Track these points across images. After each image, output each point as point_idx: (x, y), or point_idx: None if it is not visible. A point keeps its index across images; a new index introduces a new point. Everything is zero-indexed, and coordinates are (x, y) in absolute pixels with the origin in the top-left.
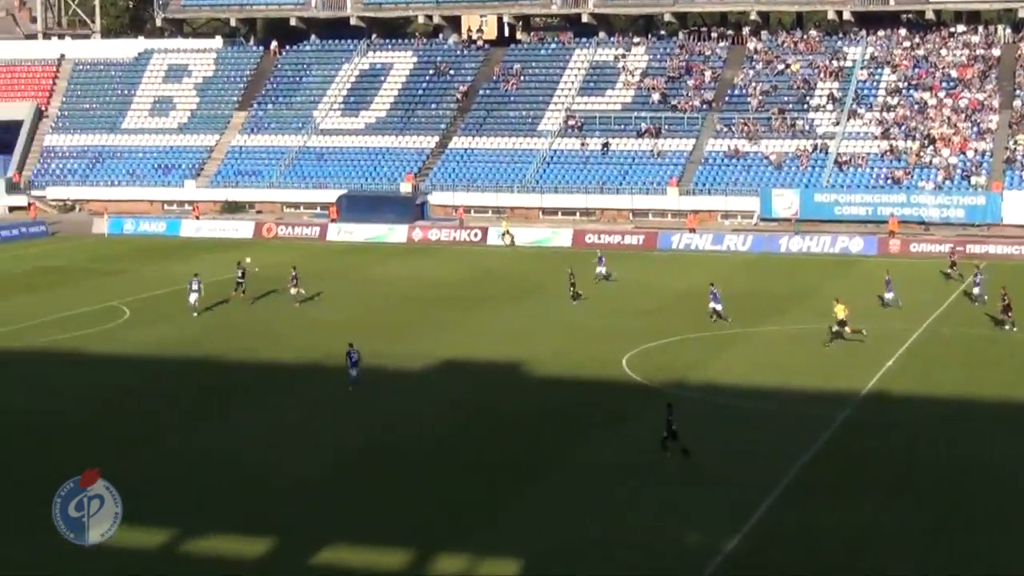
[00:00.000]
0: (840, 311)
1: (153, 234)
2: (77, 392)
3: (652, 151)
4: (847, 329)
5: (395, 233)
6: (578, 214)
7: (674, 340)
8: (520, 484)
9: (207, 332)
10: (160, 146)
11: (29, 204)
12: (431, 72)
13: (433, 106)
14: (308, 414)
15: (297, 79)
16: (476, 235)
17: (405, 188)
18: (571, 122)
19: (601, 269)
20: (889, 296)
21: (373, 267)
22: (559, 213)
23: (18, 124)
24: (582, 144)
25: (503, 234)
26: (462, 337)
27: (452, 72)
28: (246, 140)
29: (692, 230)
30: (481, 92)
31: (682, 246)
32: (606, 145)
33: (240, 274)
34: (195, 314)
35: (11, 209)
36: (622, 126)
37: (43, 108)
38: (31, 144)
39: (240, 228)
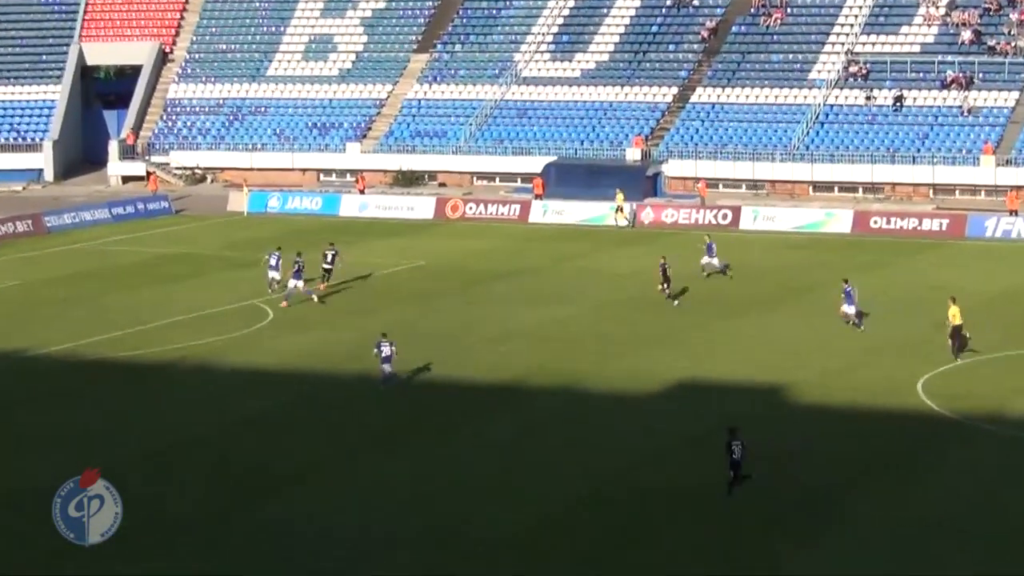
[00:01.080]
0: None
1: (305, 213)
2: (210, 414)
3: (961, 107)
4: None
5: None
6: (861, 190)
7: (987, 358)
8: (792, 545)
9: (373, 338)
10: (316, 99)
11: (148, 174)
12: (668, 3)
13: (671, 48)
14: (507, 450)
15: (493, 13)
16: (725, 216)
17: (632, 155)
18: (853, 69)
19: (711, 259)
20: None
21: (588, 258)
22: (835, 189)
23: (135, 71)
24: (867, 98)
25: (616, 209)
26: (704, 351)
27: (696, 3)
28: (426, 92)
29: (1013, 212)
30: (735, 29)
31: (999, 234)
32: (899, 99)
33: (329, 258)
34: (314, 299)
35: (126, 179)
36: (920, 74)
37: (167, 50)
38: (151, 97)
39: (417, 206)
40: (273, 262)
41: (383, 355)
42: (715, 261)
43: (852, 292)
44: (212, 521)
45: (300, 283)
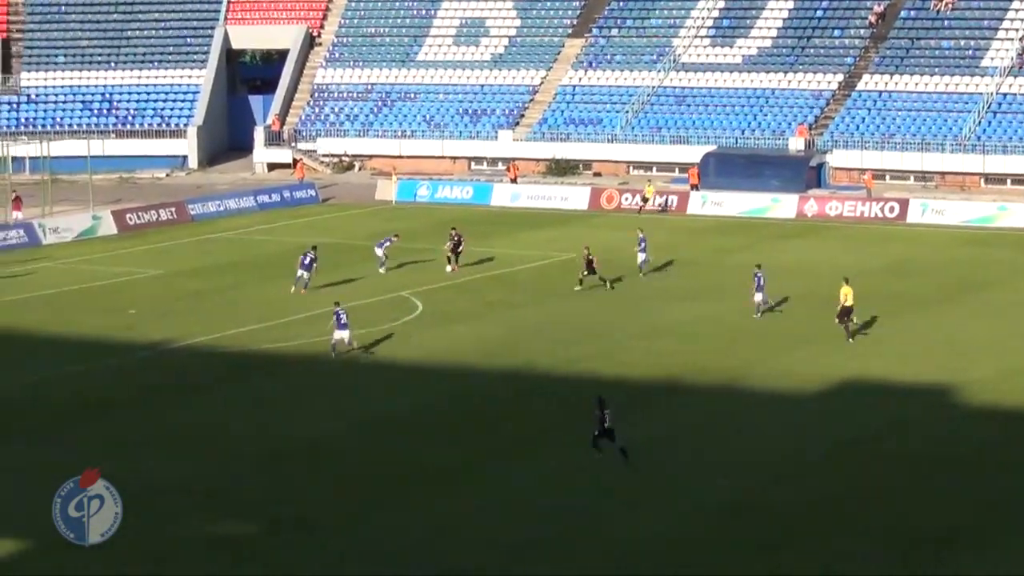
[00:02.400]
0: None
1: (455, 202)
2: (351, 409)
3: None
4: None
5: (780, 206)
6: None
7: None
8: (972, 555)
9: (523, 333)
10: (467, 85)
11: (295, 161)
12: None
13: (836, 33)
14: (655, 451)
15: None
16: (892, 209)
17: (795, 145)
18: None
19: (642, 253)
20: None
21: (748, 252)
22: (1008, 181)
23: (282, 55)
24: None
25: (644, 199)
26: (869, 349)
27: None
28: (581, 78)
29: None
30: (903, 14)
31: None
32: None
33: (456, 242)
34: (302, 290)
35: (271, 167)
36: None
37: (315, 34)
38: (298, 82)
39: (571, 196)
40: (307, 261)
41: (340, 321)
42: (642, 255)
43: (762, 278)
44: (347, 522)
45: (307, 274)
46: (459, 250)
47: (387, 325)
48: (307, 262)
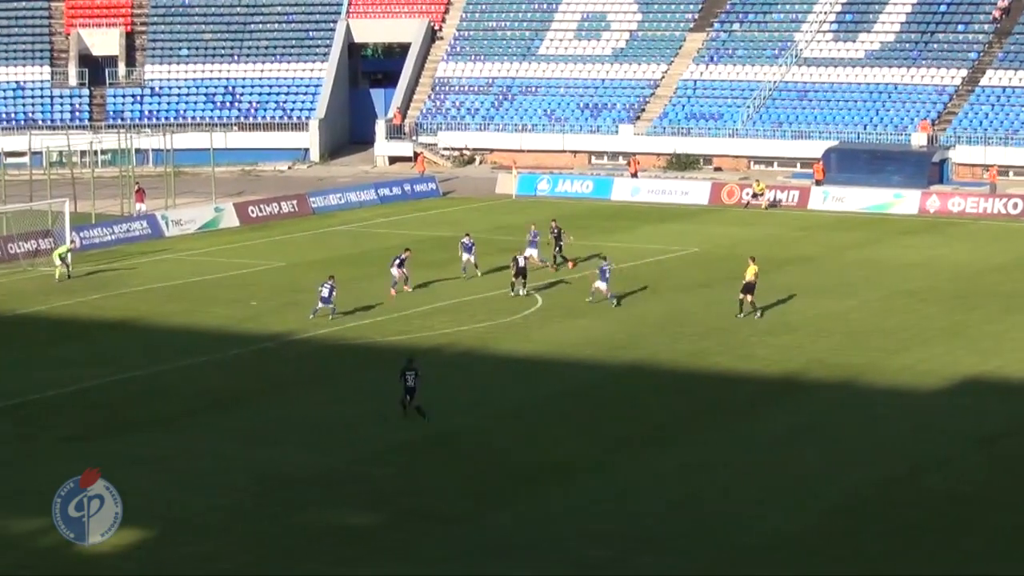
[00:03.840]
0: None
1: (576, 196)
2: (471, 403)
3: None
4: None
5: (903, 201)
6: None
7: None
8: None
9: (645, 328)
10: (588, 79)
11: (416, 155)
12: None
13: (960, 28)
14: (782, 447)
15: None
16: (1015, 206)
17: (918, 140)
18: None
19: (601, 284)
20: None
21: (871, 247)
22: None
23: (404, 49)
24: None
25: (754, 195)
26: (992, 347)
27: None
28: (702, 72)
29: None
30: None
31: None
32: None
33: (556, 234)
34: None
35: (392, 160)
36: None
37: (436, 28)
38: (419, 75)
39: (691, 191)
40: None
41: (322, 295)
42: (603, 286)
43: (607, 269)
44: (471, 514)
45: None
46: (560, 243)
47: (508, 319)
48: (398, 262)
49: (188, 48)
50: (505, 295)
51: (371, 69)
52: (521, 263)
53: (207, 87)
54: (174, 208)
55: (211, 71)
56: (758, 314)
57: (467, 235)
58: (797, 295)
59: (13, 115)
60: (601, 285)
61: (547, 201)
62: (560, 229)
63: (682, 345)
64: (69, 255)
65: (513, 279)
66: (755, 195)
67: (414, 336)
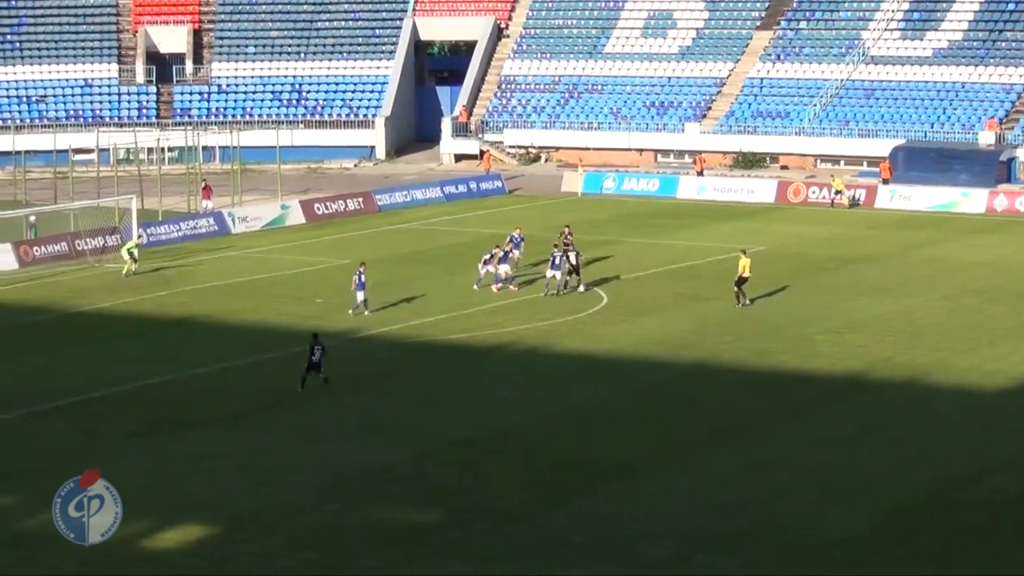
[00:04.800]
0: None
1: (641, 194)
2: (534, 401)
3: None
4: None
5: (970, 200)
6: None
7: None
8: None
9: (709, 326)
10: (654, 77)
11: (482, 152)
12: None
13: None
14: (846, 447)
15: None
16: None
17: (986, 139)
18: None
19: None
20: None
21: (938, 247)
22: None
23: (470, 47)
24: None
25: (837, 192)
26: None
27: None
28: (769, 70)
29: None
30: None
31: None
32: None
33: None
34: (366, 311)
35: (458, 158)
36: None
37: (503, 26)
38: (485, 73)
39: (757, 189)
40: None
41: (359, 282)
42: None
43: (559, 257)
44: (532, 512)
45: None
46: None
47: (572, 317)
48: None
49: (255, 46)
50: (569, 294)
51: (437, 67)
52: (573, 260)
53: (274, 84)
54: (240, 205)
55: (278, 68)
56: (747, 301)
57: (517, 230)
58: (863, 294)
59: (81, 112)
60: (503, 268)
61: (613, 199)
62: (571, 243)
63: (746, 344)
64: (136, 250)
65: (567, 277)
66: (837, 192)
67: (475, 334)
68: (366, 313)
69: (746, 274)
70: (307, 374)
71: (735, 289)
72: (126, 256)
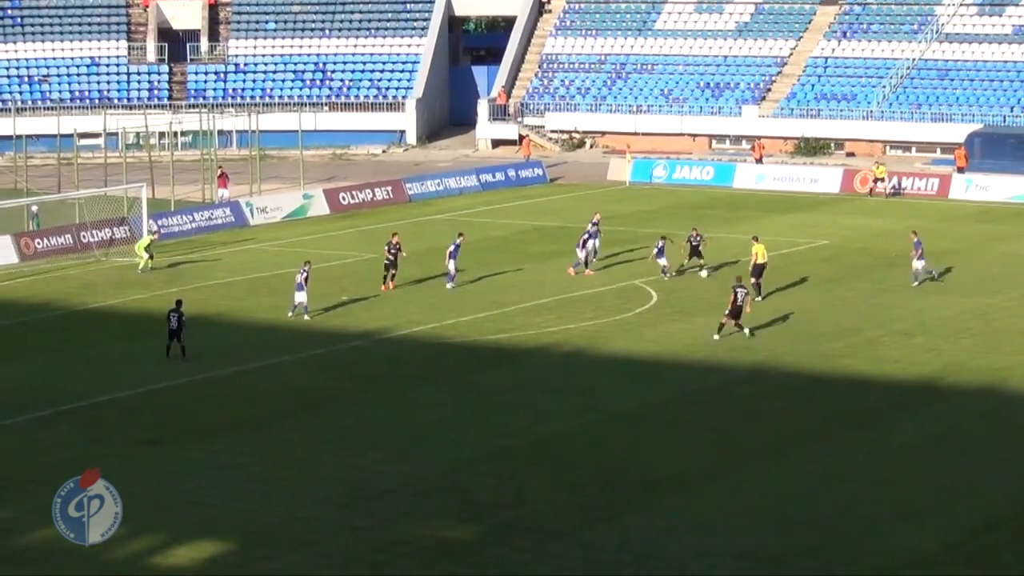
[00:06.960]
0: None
1: (695, 183)
2: (577, 407)
3: None
4: None
5: None
6: None
7: None
8: None
9: (767, 327)
10: (709, 56)
11: (521, 137)
12: None
13: None
14: (916, 459)
15: None
16: None
17: None
18: None
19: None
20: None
21: (1017, 241)
22: None
23: (509, 23)
24: None
25: (877, 180)
26: None
27: None
28: (834, 49)
29: None
30: None
31: None
32: None
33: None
34: (305, 315)
35: (495, 143)
36: None
37: (544, 0)
38: (525, 52)
39: (821, 178)
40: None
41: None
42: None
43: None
44: (573, 527)
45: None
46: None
47: (619, 316)
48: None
49: (275, 22)
50: (615, 290)
51: (473, 45)
52: (695, 243)
53: (296, 64)
54: (259, 195)
55: (300, 47)
56: (759, 298)
57: (596, 215)
58: (935, 292)
59: (87, 93)
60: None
61: (663, 189)
62: (701, 237)
63: (808, 346)
64: (151, 247)
65: (685, 260)
66: (876, 180)
67: (515, 335)
68: (305, 317)
69: (760, 260)
70: (170, 343)
71: (753, 280)
72: (144, 254)
